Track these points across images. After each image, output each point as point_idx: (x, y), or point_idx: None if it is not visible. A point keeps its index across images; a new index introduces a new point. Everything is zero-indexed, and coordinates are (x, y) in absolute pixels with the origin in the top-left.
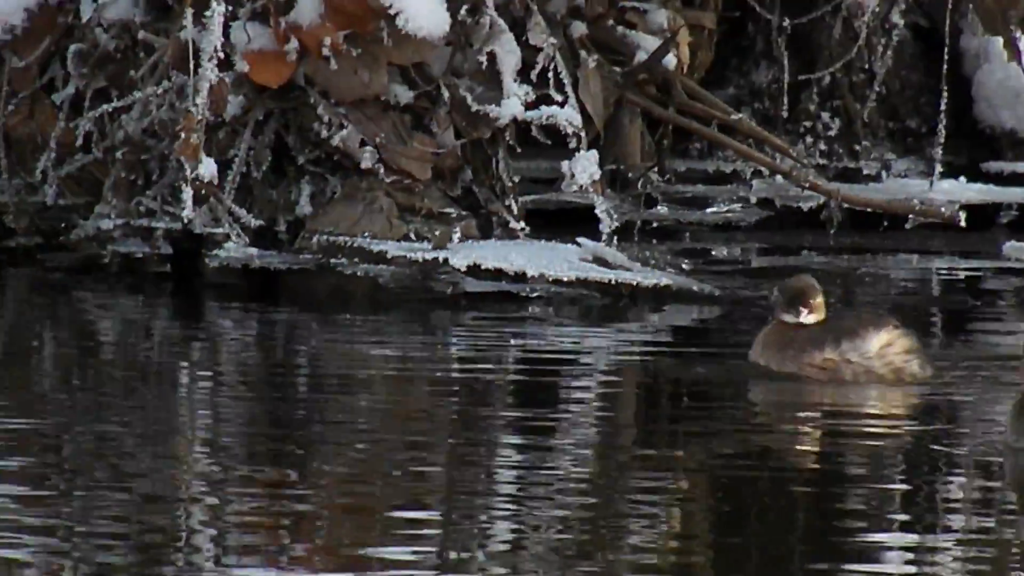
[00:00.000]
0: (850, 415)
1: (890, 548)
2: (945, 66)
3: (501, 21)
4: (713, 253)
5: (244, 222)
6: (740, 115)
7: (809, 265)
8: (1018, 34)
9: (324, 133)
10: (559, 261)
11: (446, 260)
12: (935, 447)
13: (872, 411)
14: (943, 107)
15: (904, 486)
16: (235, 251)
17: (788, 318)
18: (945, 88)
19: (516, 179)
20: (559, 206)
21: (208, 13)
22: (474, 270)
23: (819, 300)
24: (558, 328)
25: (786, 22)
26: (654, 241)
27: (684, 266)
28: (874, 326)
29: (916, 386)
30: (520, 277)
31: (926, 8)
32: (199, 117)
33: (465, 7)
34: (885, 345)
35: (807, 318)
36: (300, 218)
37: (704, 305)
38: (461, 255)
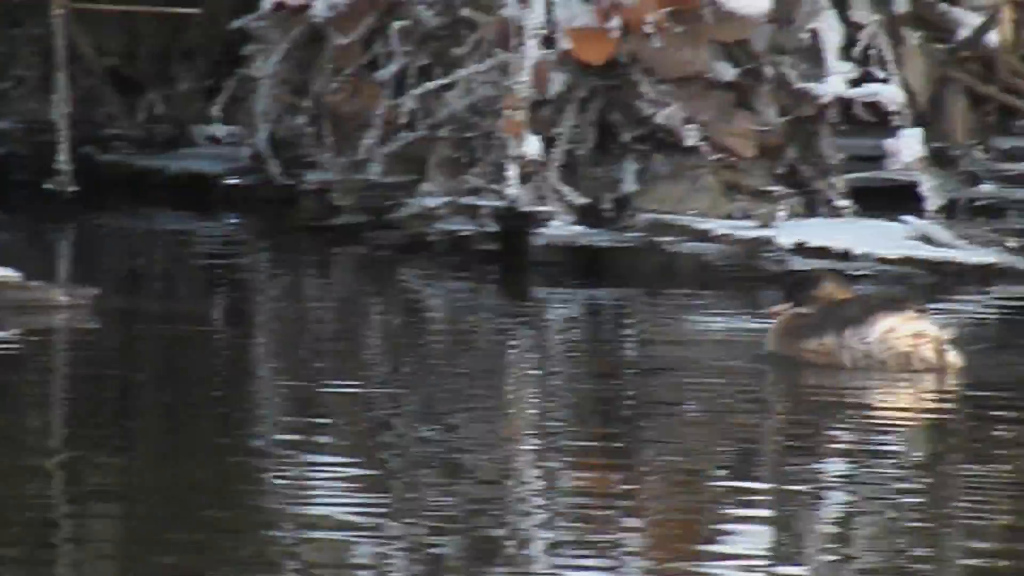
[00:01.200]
0: None
1: None
2: None
3: None
4: None
5: (569, 200)
6: None
7: None
8: None
9: (648, 111)
10: (885, 239)
11: (772, 238)
12: None
13: None
14: None
15: None
16: (561, 229)
17: (794, 307)
18: None
19: (840, 157)
20: (883, 184)
21: None
22: (800, 248)
23: (827, 291)
24: None
25: None
26: (979, 219)
27: (1010, 244)
28: (883, 312)
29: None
30: (846, 255)
31: None
32: (523, 95)
33: None
34: (887, 331)
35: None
36: (625, 196)
37: None
38: (787, 233)
